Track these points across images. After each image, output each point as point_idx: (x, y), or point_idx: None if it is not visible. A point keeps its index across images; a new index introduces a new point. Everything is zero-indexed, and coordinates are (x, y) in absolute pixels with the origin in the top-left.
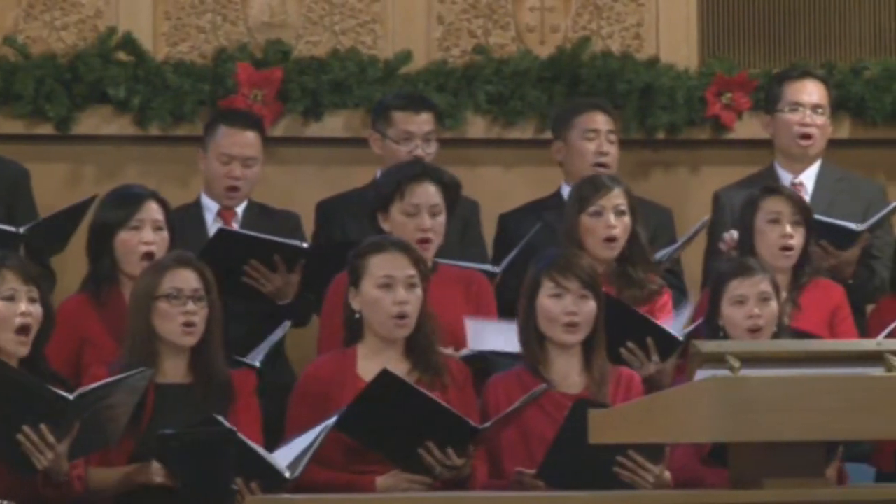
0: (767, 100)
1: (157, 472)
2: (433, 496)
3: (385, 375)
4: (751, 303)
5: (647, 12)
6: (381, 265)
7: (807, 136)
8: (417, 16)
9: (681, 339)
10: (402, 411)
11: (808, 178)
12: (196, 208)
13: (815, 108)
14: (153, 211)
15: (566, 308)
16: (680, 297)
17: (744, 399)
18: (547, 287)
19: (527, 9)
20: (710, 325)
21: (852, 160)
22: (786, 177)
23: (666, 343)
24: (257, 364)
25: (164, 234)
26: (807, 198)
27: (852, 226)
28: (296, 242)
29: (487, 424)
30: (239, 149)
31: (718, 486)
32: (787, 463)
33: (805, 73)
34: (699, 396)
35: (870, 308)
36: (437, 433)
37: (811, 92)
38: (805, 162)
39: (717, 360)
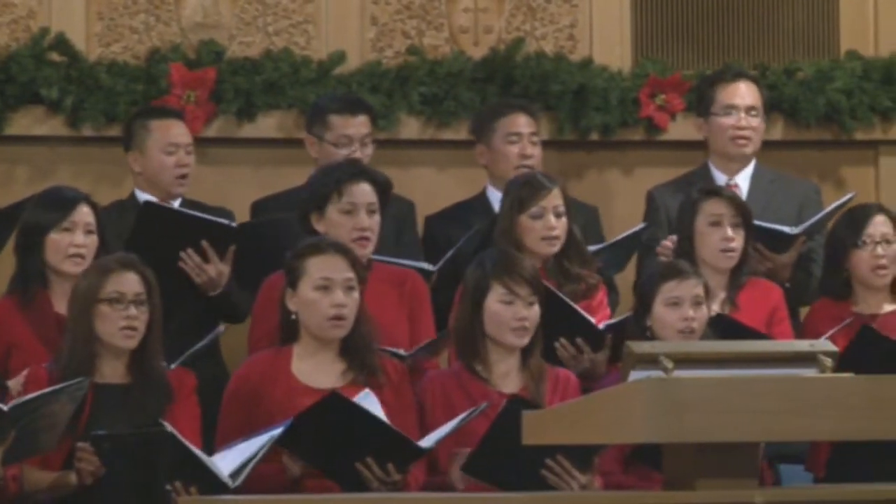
0: (700, 103)
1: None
2: (371, 497)
3: (334, 398)
4: (685, 305)
5: (580, 13)
6: (320, 267)
7: (743, 139)
8: (351, 17)
9: (601, 328)
10: (346, 430)
11: (742, 179)
12: (133, 204)
13: (749, 110)
14: (85, 214)
15: (517, 314)
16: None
17: (677, 400)
18: (498, 292)
19: (460, 10)
20: (638, 324)
21: (785, 162)
22: (720, 178)
23: (591, 334)
24: (171, 367)
25: (95, 237)
26: (742, 198)
27: (787, 229)
28: (224, 221)
29: (432, 445)
30: (181, 137)
31: (643, 488)
32: (720, 464)
33: (738, 75)
34: (632, 397)
35: (804, 310)
36: (379, 451)
37: (744, 94)
38: (740, 162)
39: (651, 360)
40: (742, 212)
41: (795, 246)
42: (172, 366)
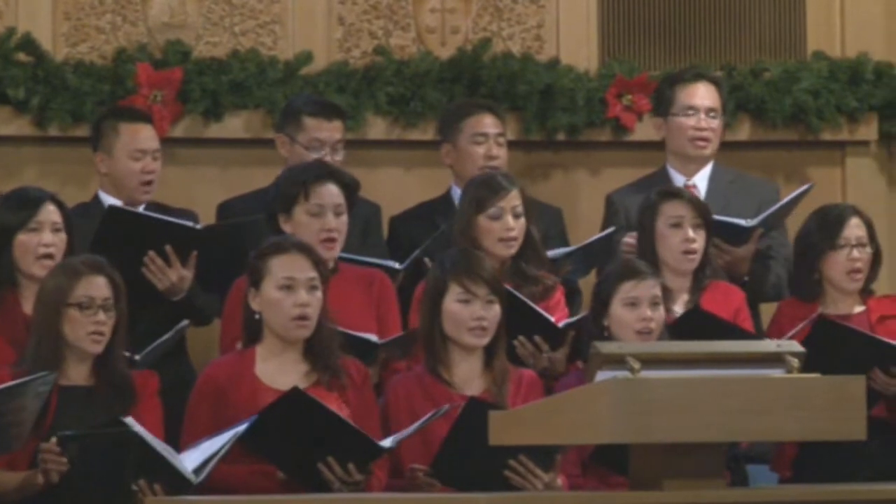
0: (659, 103)
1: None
2: (328, 498)
3: (295, 394)
4: (643, 306)
5: (547, 14)
6: (283, 267)
7: (703, 140)
8: (318, 17)
9: (560, 327)
10: (307, 428)
11: (700, 179)
12: (97, 207)
13: (708, 111)
14: (51, 213)
15: (475, 313)
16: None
17: (644, 400)
18: (455, 292)
19: (427, 10)
20: (596, 324)
21: (752, 162)
22: (679, 179)
23: (550, 332)
24: (137, 358)
25: (63, 235)
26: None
27: (743, 222)
28: (189, 223)
29: (394, 444)
30: (149, 142)
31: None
32: (687, 464)
33: (697, 76)
34: (599, 398)
35: (765, 306)
36: (340, 450)
37: (704, 95)
38: (699, 163)
39: (618, 361)
40: (702, 213)
41: (753, 239)
42: (137, 357)
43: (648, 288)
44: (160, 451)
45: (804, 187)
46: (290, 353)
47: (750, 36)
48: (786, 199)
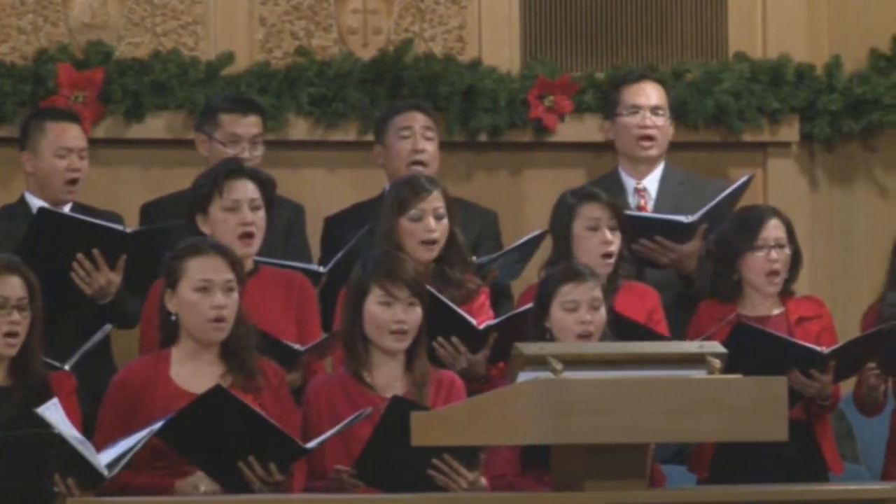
0: (606, 105)
1: None
2: (249, 499)
3: (218, 391)
4: (583, 309)
5: (469, 14)
6: (199, 268)
7: (648, 138)
8: (239, 17)
9: (480, 329)
10: (229, 427)
11: (651, 182)
12: (23, 208)
13: (653, 109)
14: None
15: (395, 316)
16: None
17: (565, 401)
18: (376, 294)
19: (349, 11)
20: (536, 327)
21: (673, 163)
22: (630, 182)
23: (471, 334)
24: (67, 368)
25: None
26: (651, 202)
27: (683, 218)
28: (119, 227)
29: (315, 445)
30: (75, 141)
31: (539, 489)
32: (608, 465)
33: (642, 76)
34: (521, 399)
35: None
36: (262, 449)
37: (649, 94)
38: (648, 164)
39: (540, 362)
40: (617, 214)
41: (697, 235)
42: (67, 366)
43: (588, 290)
44: (74, 444)
45: (744, 179)
46: (205, 356)
47: (671, 37)
48: (725, 193)
